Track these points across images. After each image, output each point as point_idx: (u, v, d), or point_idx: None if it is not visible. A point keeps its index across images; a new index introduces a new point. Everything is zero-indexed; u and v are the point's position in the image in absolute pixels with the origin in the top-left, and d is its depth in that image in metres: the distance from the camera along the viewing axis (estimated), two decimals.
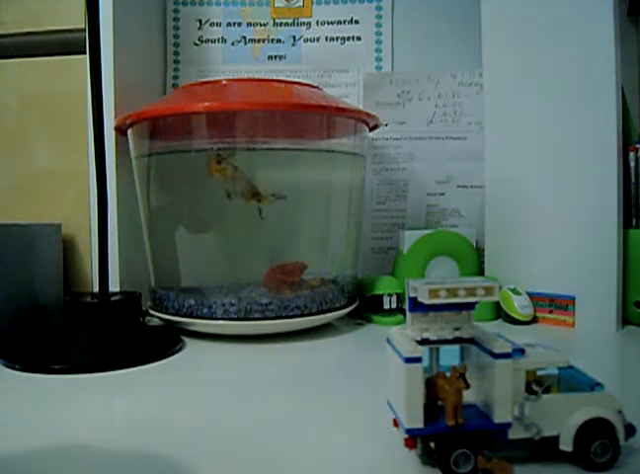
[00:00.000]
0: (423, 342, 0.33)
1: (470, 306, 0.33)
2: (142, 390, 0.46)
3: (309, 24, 0.90)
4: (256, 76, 0.90)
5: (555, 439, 0.31)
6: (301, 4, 0.90)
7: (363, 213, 0.80)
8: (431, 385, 0.32)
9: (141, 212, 0.70)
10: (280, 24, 0.91)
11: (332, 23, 0.90)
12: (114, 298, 0.60)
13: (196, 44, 0.91)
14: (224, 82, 0.67)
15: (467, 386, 0.31)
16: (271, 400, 0.44)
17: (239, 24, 0.91)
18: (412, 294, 0.33)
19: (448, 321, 0.33)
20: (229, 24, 0.91)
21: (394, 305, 0.71)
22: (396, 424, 0.34)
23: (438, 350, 0.34)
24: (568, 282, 0.67)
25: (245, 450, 0.35)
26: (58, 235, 0.71)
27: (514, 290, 0.69)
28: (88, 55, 0.57)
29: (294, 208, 0.68)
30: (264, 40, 0.91)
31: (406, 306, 0.33)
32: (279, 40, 0.91)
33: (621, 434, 0.31)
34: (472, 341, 0.33)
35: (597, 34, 0.64)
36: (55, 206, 0.76)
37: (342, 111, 0.64)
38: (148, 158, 0.68)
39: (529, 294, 0.69)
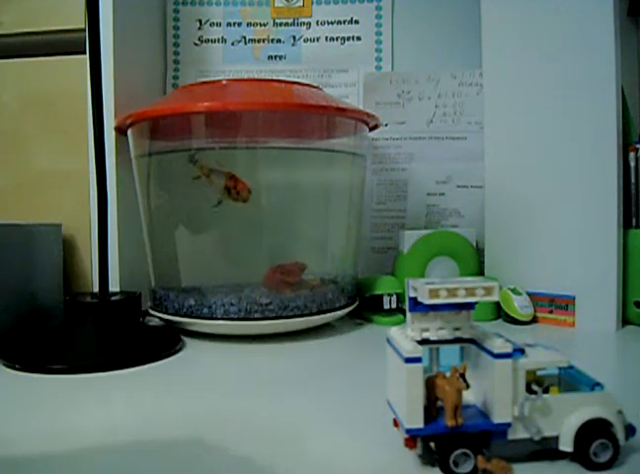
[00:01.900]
0: (423, 342, 0.33)
1: (470, 306, 0.33)
2: (142, 390, 0.46)
3: (309, 24, 0.90)
4: (256, 76, 0.90)
5: (555, 439, 0.31)
6: (301, 4, 0.90)
7: (363, 213, 0.80)
8: (431, 385, 0.32)
9: (141, 212, 0.70)
10: (280, 24, 0.91)
11: (332, 23, 0.90)
12: (114, 298, 0.60)
13: (196, 44, 0.91)
14: (224, 82, 0.67)
15: (467, 386, 0.31)
16: (270, 400, 0.44)
17: (239, 24, 0.91)
18: (412, 294, 0.33)
19: (448, 321, 0.33)
20: (229, 24, 0.91)
21: (394, 305, 0.71)
22: (396, 424, 0.34)
23: (438, 350, 0.34)
24: (568, 282, 0.67)
25: (245, 451, 0.35)
26: (58, 235, 0.71)
27: (514, 290, 0.69)
28: (88, 55, 0.57)
29: (294, 208, 0.68)
30: (264, 40, 0.91)
31: (406, 306, 0.33)
32: (279, 40, 0.91)
33: (621, 434, 0.31)
34: (472, 341, 0.33)
35: (597, 34, 0.64)
36: (55, 206, 0.75)
37: (342, 111, 0.64)
38: (148, 158, 0.68)
39: (529, 294, 0.69)
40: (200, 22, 0.91)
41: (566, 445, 0.31)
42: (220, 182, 0.62)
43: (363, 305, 0.72)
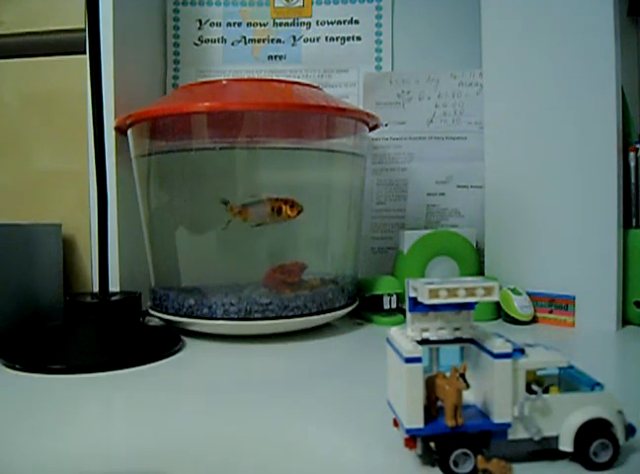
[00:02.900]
0: (423, 342, 0.33)
1: (470, 306, 0.33)
2: (142, 390, 0.46)
3: (309, 24, 0.90)
4: (256, 76, 0.90)
5: (555, 439, 0.31)
6: (301, 4, 0.90)
7: (363, 213, 0.80)
8: (431, 385, 0.32)
9: (141, 212, 0.70)
10: (280, 24, 0.91)
11: (332, 23, 0.90)
12: (114, 298, 0.60)
13: (196, 44, 0.91)
14: (224, 82, 0.67)
15: (467, 386, 0.31)
16: (271, 400, 0.44)
17: (239, 24, 0.91)
18: (412, 294, 0.33)
19: (448, 321, 0.33)
20: (229, 24, 0.91)
21: (394, 305, 0.71)
22: (396, 424, 0.34)
23: (438, 350, 0.34)
24: (568, 282, 0.67)
25: (245, 451, 0.35)
26: (58, 235, 0.71)
27: (514, 290, 0.69)
28: (88, 55, 0.57)
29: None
30: (264, 40, 0.91)
31: (406, 306, 0.33)
32: (279, 40, 0.91)
33: (621, 434, 0.31)
34: (472, 341, 0.33)
35: (597, 34, 0.64)
36: (55, 206, 0.75)
37: (342, 111, 0.64)
38: (148, 158, 0.68)
39: (529, 294, 0.69)
40: (200, 22, 0.91)
41: (566, 445, 0.31)
42: (263, 210, 0.62)
43: (363, 305, 0.72)
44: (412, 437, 0.31)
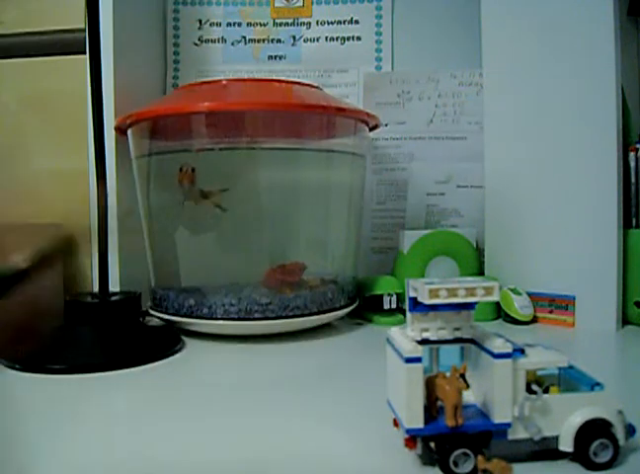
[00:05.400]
0: (423, 342, 0.33)
1: (470, 306, 0.33)
2: (142, 390, 0.46)
3: (309, 24, 0.90)
4: (256, 76, 0.90)
5: (555, 439, 0.31)
6: (301, 4, 0.90)
7: (363, 213, 0.80)
8: (431, 385, 0.32)
9: (141, 212, 0.70)
10: (280, 24, 0.91)
11: (332, 23, 0.90)
12: (114, 298, 0.60)
13: (196, 44, 0.91)
14: (224, 82, 0.67)
15: (467, 386, 0.31)
16: (270, 400, 0.44)
17: (239, 24, 0.91)
18: (412, 294, 0.33)
19: (448, 321, 0.33)
20: (229, 24, 0.91)
21: (394, 305, 0.71)
22: (396, 424, 0.34)
23: (438, 350, 0.34)
24: (568, 282, 0.67)
25: (244, 450, 0.35)
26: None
27: (514, 290, 0.69)
28: (88, 55, 0.57)
29: (294, 208, 0.68)
30: (264, 40, 0.91)
31: (406, 306, 0.33)
32: (279, 40, 0.91)
33: (621, 435, 0.31)
34: (472, 341, 0.33)
35: (597, 34, 0.64)
36: (55, 206, 0.75)
37: (342, 111, 0.64)
38: (148, 158, 0.67)
39: (529, 294, 0.69)
40: (200, 22, 0.91)
41: (566, 445, 0.31)
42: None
43: (363, 305, 0.72)
44: (412, 437, 0.31)
